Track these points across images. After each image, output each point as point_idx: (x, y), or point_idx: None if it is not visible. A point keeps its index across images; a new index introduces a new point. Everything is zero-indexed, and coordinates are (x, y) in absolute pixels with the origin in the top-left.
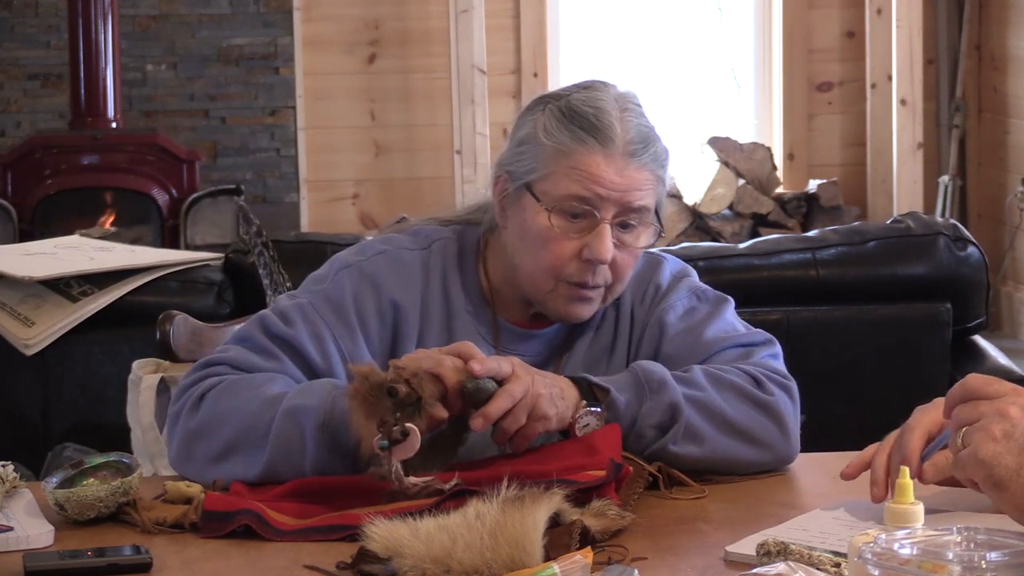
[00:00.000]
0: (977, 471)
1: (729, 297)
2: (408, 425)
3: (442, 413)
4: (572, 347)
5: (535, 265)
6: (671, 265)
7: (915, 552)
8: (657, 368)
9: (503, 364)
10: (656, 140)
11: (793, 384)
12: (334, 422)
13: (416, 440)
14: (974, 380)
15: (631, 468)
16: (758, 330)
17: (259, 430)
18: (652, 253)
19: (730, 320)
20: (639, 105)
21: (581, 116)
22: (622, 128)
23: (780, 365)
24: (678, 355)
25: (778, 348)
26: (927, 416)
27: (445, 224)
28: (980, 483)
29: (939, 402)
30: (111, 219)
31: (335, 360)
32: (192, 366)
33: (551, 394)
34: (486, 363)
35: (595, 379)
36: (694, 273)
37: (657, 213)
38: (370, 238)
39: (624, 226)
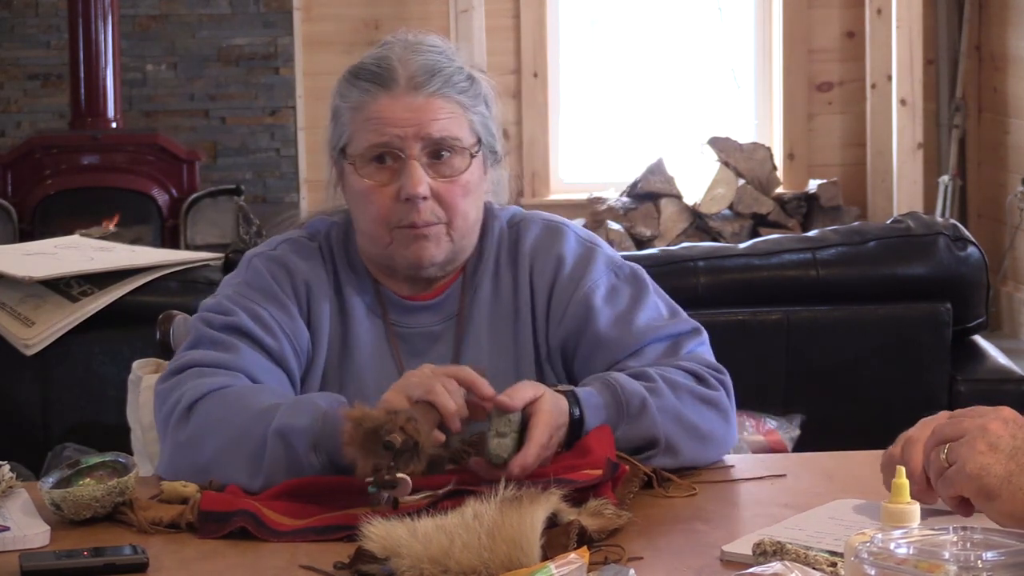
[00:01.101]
0: (967, 485)
1: (642, 270)
2: (399, 475)
3: (440, 439)
4: (470, 318)
5: (367, 223)
6: (575, 233)
7: (911, 552)
8: (637, 389)
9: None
10: (446, 67)
11: (727, 376)
12: (325, 441)
13: (407, 486)
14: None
15: (627, 467)
16: (683, 315)
17: (248, 444)
18: (552, 221)
19: (655, 304)
20: (435, 46)
21: (365, 70)
22: (403, 67)
23: (710, 355)
24: (608, 341)
25: (705, 336)
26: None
27: (331, 215)
28: (971, 496)
29: (944, 414)
30: (112, 220)
31: (282, 337)
32: (163, 373)
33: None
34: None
35: (584, 408)
36: (603, 243)
37: (481, 141)
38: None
39: (436, 157)
